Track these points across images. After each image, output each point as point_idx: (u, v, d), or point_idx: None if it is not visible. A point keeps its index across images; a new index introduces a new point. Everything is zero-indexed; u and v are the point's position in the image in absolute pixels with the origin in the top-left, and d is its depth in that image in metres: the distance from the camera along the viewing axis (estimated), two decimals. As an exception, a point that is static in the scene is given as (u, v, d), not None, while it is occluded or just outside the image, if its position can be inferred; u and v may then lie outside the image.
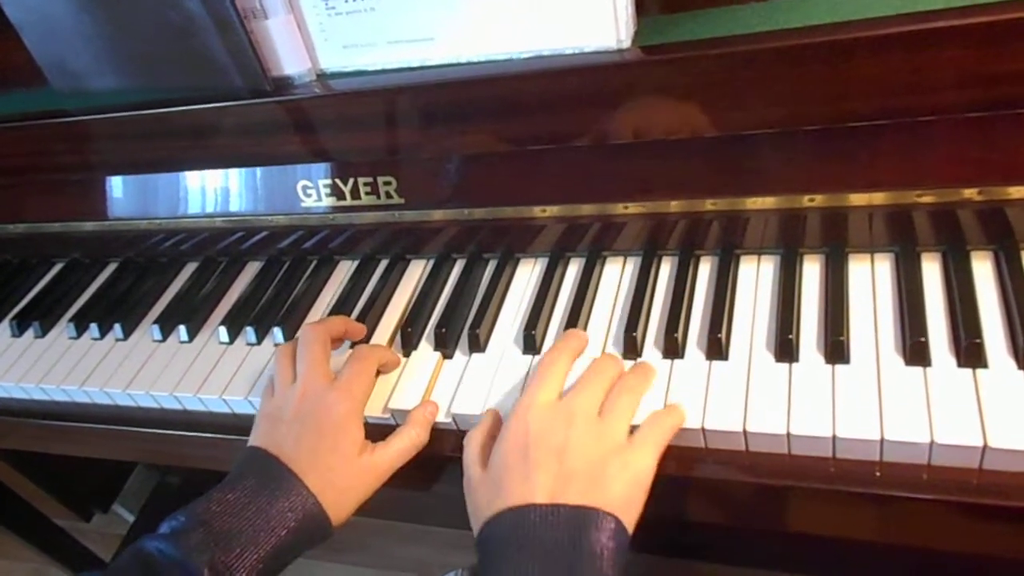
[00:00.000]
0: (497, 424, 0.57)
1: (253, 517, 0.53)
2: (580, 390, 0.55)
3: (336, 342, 0.66)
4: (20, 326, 0.84)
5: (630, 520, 0.50)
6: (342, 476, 0.57)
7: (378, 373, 0.65)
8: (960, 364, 0.52)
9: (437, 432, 0.63)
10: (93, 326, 0.80)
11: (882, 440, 0.50)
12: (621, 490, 0.50)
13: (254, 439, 0.60)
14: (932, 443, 0.49)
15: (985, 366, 0.52)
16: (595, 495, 0.49)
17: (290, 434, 0.58)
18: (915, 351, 0.53)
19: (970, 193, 0.56)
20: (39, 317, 0.83)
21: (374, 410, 0.63)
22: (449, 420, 0.62)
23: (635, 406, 0.55)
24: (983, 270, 0.58)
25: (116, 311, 0.81)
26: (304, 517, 0.55)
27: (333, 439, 0.57)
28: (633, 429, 0.54)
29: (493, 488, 0.51)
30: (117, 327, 0.79)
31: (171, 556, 0.51)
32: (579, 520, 0.48)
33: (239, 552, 0.52)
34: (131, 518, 1.44)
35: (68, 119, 0.75)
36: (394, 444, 0.59)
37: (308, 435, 0.57)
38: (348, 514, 0.58)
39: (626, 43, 0.57)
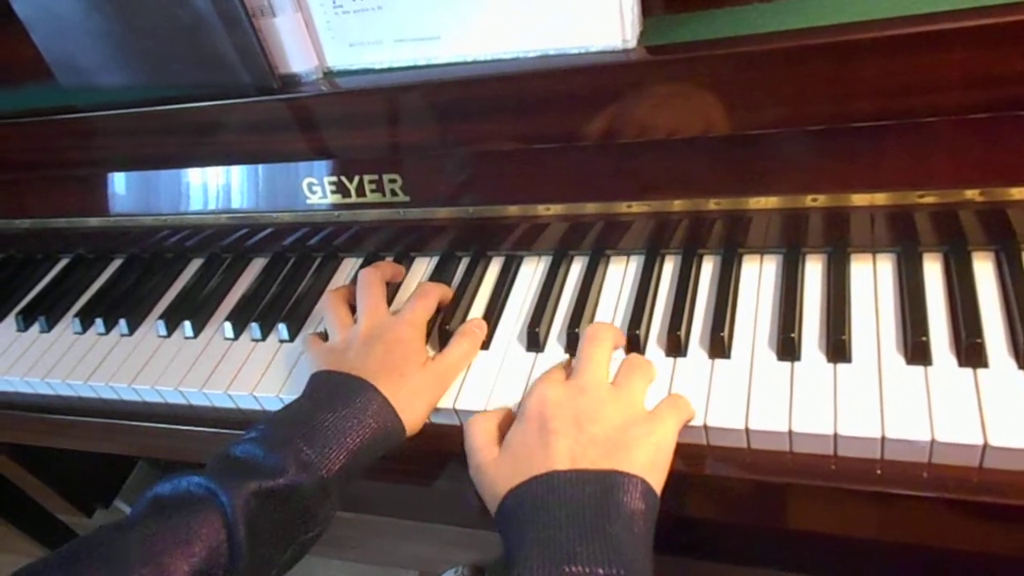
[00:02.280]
0: (502, 413, 0.58)
1: (331, 417, 0.55)
2: (586, 362, 0.57)
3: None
4: (26, 321, 0.85)
5: (656, 484, 0.50)
6: (411, 382, 0.60)
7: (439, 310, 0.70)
8: (961, 363, 0.53)
9: (441, 428, 0.63)
10: (98, 321, 0.81)
11: (883, 438, 0.50)
12: (644, 455, 0.50)
13: (317, 370, 0.62)
14: (933, 441, 0.49)
15: (986, 366, 0.52)
16: (617, 459, 0.49)
17: (359, 355, 0.61)
18: (916, 350, 0.54)
19: (972, 194, 0.56)
20: (45, 312, 0.84)
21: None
22: (453, 416, 0.62)
23: (647, 382, 0.57)
24: (984, 270, 0.58)
25: (121, 306, 0.82)
26: (379, 418, 0.56)
27: (402, 352, 0.62)
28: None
29: (512, 463, 0.52)
30: (122, 322, 0.80)
31: (257, 455, 0.52)
32: (605, 482, 0.48)
33: (322, 447, 0.53)
34: (132, 514, 1.44)
35: (75, 115, 0.75)
36: (453, 351, 0.64)
37: (377, 351, 0.61)
38: (420, 419, 0.60)
39: (632, 43, 0.57)
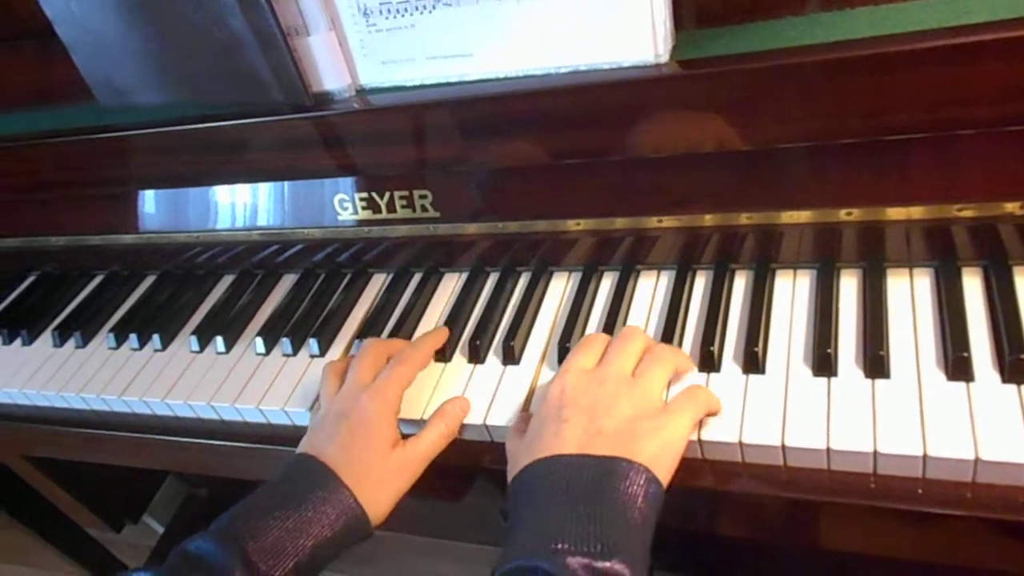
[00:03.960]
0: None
1: (288, 511, 0.54)
2: (614, 356, 0.57)
3: None
4: (61, 336, 0.86)
5: (661, 478, 0.50)
6: (376, 470, 0.58)
7: None
8: (1004, 380, 0.52)
9: (472, 444, 0.63)
10: (132, 337, 0.82)
11: (925, 456, 0.49)
12: (650, 447, 0.50)
13: (299, 448, 0.61)
14: (977, 460, 0.48)
15: (1030, 382, 0.51)
16: (623, 450, 0.50)
17: (327, 435, 0.60)
18: (957, 366, 0.53)
19: (1012, 207, 0.55)
20: (80, 328, 0.85)
21: (410, 417, 0.63)
22: (483, 432, 0.62)
23: (668, 376, 0.57)
24: (1026, 285, 0.57)
25: (155, 322, 0.83)
26: (340, 511, 0.55)
27: (366, 436, 0.58)
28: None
29: (527, 447, 0.53)
30: (156, 338, 0.81)
31: (207, 550, 0.52)
32: (605, 468, 0.49)
33: (273, 543, 0.52)
34: (161, 529, 1.45)
35: (112, 134, 0.77)
36: (425, 437, 0.60)
37: (342, 433, 0.59)
38: (386, 510, 0.58)
39: (664, 58, 0.57)
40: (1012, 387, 0.51)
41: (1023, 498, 0.48)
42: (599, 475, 0.49)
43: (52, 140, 0.80)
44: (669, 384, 0.58)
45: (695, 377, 0.59)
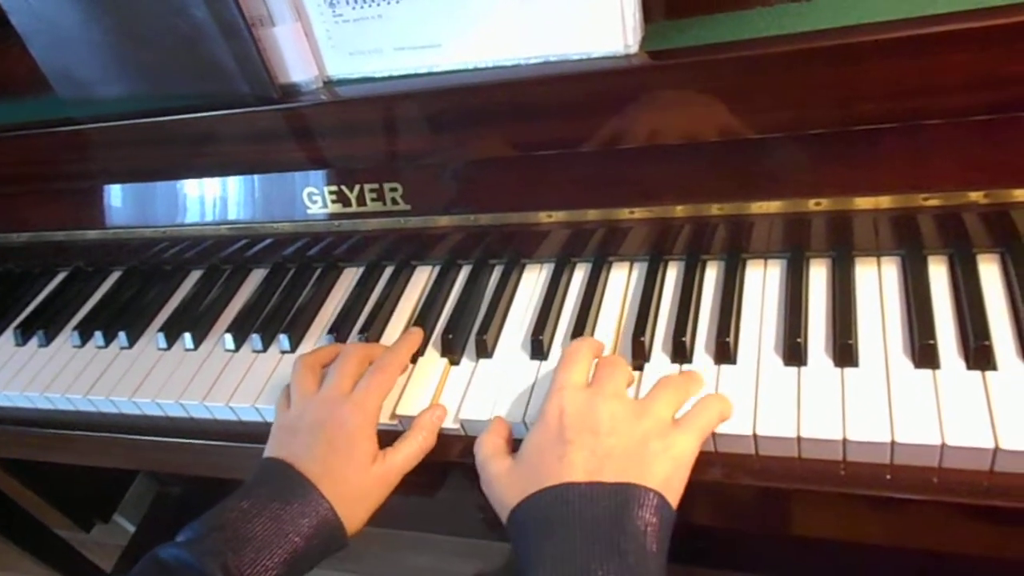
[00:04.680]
0: (504, 426, 0.58)
1: (267, 522, 0.53)
2: (607, 378, 0.55)
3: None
4: (24, 335, 0.84)
5: (672, 499, 0.49)
6: (355, 485, 0.57)
7: None
8: (969, 366, 0.53)
9: (444, 438, 0.62)
10: (98, 334, 0.80)
11: (892, 443, 0.50)
12: (662, 469, 0.49)
13: (270, 451, 0.60)
14: (943, 445, 0.49)
15: (994, 368, 0.52)
16: (634, 473, 0.49)
17: (304, 444, 0.58)
18: (924, 354, 0.53)
19: (976, 196, 0.56)
20: (43, 326, 0.83)
21: (382, 416, 0.63)
22: (457, 426, 0.62)
23: (680, 399, 0.55)
24: (990, 273, 0.58)
25: (121, 319, 0.81)
26: (319, 523, 0.54)
27: (346, 450, 0.58)
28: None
29: (525, 472, 0.51)
30: (122, 335, 0.79)
31: (186, 561, 0.51)
32: (621, 496, 0.48)
33: (253, 556, 0.52)
34: (132, 528, 1.43)
35: (73, 127, 0.75)
36: (402, 450, 0.59)
37: (321, 444, 0.58)
38: (362, 523, 0.58)
39: (633, 48, 0.57)
40: (976, 374, 0.52)
41: (987, 482, 0.49)
42: (616, 505, 0.47)
43: (11, 134, 0.78)
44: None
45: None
